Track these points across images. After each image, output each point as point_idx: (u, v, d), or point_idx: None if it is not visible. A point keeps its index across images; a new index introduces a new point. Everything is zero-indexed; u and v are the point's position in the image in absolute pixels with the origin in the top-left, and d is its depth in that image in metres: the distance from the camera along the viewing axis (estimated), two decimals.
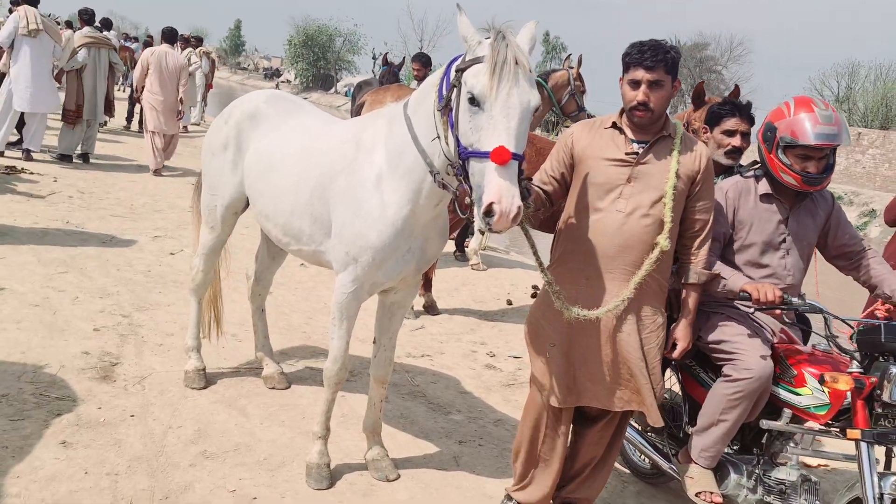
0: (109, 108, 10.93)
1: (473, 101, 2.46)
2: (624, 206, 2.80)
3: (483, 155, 2.41)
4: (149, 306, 5.19)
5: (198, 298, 4.19)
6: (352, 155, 3.11)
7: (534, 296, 7.06)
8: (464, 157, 2.50)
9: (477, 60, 2.50)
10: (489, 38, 2.49)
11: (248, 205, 3.81)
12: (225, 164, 3.78)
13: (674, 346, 2.97)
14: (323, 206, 3.20)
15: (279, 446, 3.62)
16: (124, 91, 17.72)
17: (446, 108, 2.63)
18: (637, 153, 2.83)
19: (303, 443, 3.66)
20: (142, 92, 10.68)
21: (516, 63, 2.44)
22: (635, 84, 2.77)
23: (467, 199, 2.59)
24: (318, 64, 55.72)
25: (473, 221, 2.64)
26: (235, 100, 4.00)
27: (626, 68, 2.81)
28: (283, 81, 61.97)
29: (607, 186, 2.83)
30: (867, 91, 30.80)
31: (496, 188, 2.35)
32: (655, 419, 2.91)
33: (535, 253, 2.85)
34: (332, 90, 52.86)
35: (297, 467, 3.44)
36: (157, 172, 10.43)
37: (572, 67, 7.36)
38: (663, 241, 2.77)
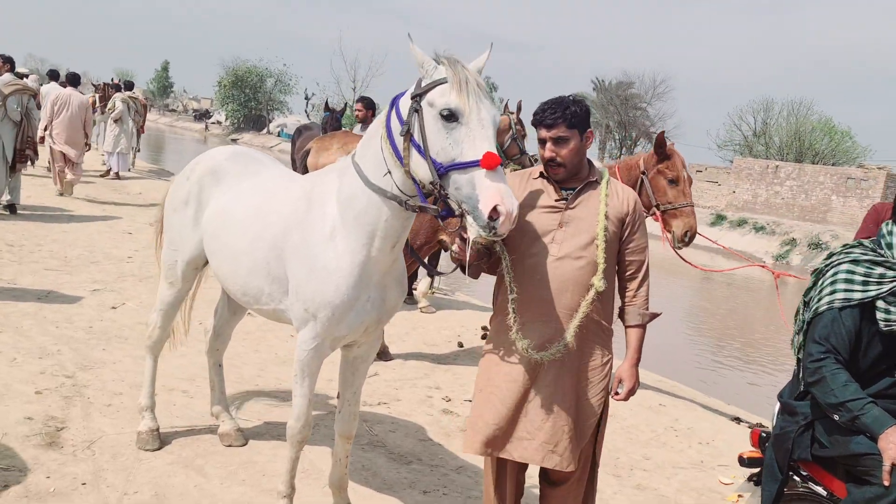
0: (34, 151, 10.58)
1: (451, 117, 2.53)
2: (557, 251, 2.88)
3: (471, 164, 2.47)
4: (93, 365, 5.02)
5: (154, 356, 4.08)
6: (304, 211, 3.12)
7: (484, 336, 7.13)
8: (442, 172, 2.54)
9: (440, 82, 2.59)
10: (443, 65, 2.60)
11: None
12: (186, 220, 3.73)
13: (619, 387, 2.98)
14: (279, 265, 3.19)
15: None
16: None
17: (407, 133, 2.67)
18: (566, 199, 2.93)
19: (265, 501, 3.59)
20: (47, 132, 11.79)
21: (476, 84, 2.57)
22: (542, 142, 2.91)
23: (456, 214, 2.60)
24: (248, 105, 55.38)
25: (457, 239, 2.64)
26: (199, 155, 3.97)
27: (535, 128, 2.96)
28: (213, 122, 61.26)
29: (540, 232, 2.91)
30: (781, 126, 32.47)
31: (495, 191, 2.41)
32: (566, 464, 2.85)
33: (509, 274, 2.87)
34: (265, 131, 52.56)
35: None
36: (62, 193, 11.98)
37: (512, 112, 7.56)
38: (598, 282, 2.83)
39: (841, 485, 2.70)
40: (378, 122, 2.90)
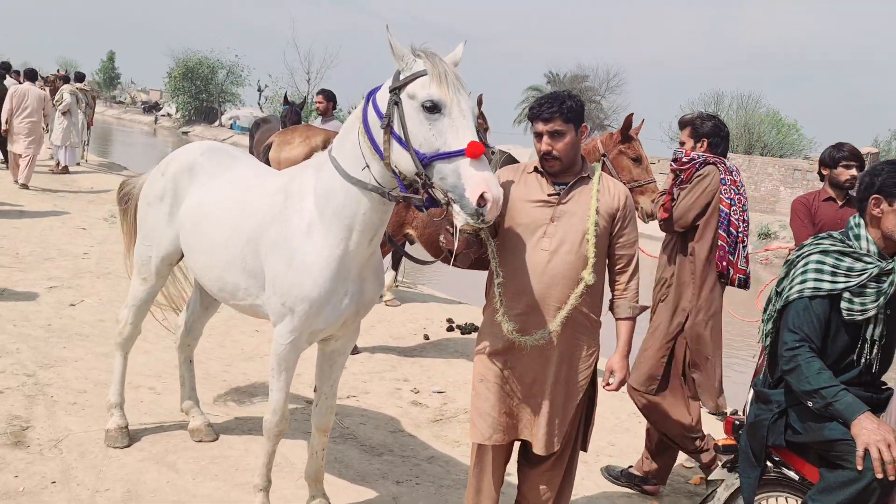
0: None
1: (434, 108, 2.57)
2: (549, 245, 2.95)
3: (455, 154, 2.52)
4: (54, 363, 4.92)
5: (123, 353, 4.03)
6: (281, 205, 3.13)
7: (449, 329, 7.20)
8: (426, 162, 2.57)
9: (419, 74, 2.62)
10: (421, 57, 2.64)
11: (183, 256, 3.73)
12: (161, 216, 3.69)
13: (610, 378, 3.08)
14: (256, 260, 3.20)
15: (215, 501, 3.53)
16: None
17: (388, 126, 2.70)
18: (558, 194, 3.00)
19: (239, 495, 3.59)
20: (8, 126, 12.48)
21: (455, 76, 2.63)
22: (539, 136, 2.98)
23: (442, 203, 2.61)
24: (200, 97, 54.22)
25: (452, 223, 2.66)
26: (174, 151, 3.92)
27: (531, 123, 3.03)
28: (163, 115, 59.89)
29: (532, 227, 2.98)
30: (731, 119, 33.18)
31: (480, 179, 2.46)
32: (540, 447, 2.98)
33: (495, 260, 2.94)
34: (217, 123, 51.54)
35: None
36: (24, 186, 12.20)
37: (476, 106, 7.60)
38: (588, 276, 2.91)
39: (813, 469, 2.76)
40: (354, 117, 2.92)
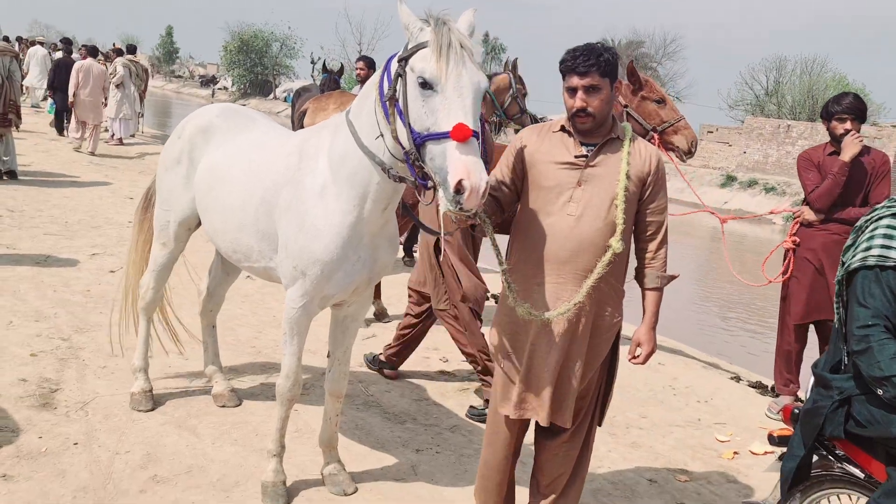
0: (17, 114, 10.49)
1: (426, 84, 2.45)
2: (575, 210, 2.78)
3: (442, 135, 2.40)
4: (89, 328, 5.02)
5: (147, 317, 4.07)
6: (295, 167, 3.07)
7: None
8: (419, 142, 2.48)
9: (421, 46, 2.50)
10: (430, 25, 2.50)
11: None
12: (178, 180, 3.69)
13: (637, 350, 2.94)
14: (269, 222, 3.15)
15: (232, 466, 3.54)
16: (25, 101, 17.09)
17: (392, 98, 2.60)
18: (586, 156, 2.81)
19: (257, 461, 3.59)
20: (75, 98, 13.41)
21: (461, 46, 2.46)
22: (572, 91, 2.76)
23: (429, 186, 2.55)
24: (255, 70, 54.83)
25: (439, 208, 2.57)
26: (190, 114, 3.91)
27: (562, 76, 2.80)
28: (219, 88, 60.80)
29: (558, 190, 2.81)
30: (794, 85, 31.87)
31: (462, 164, 2.33)
32: (564, 420, 2.87)
33: (497, 249, 2.84)
34: (271, 96, 52.12)
35: (251, 486, 3.37)
36: (92, 153, 13.41)
37: (513, 70, 7.40)
38: (616, 244, 2.74)
39: (881, 467, 2.49)
40: (371, 83, 2.82)
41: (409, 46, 2.55)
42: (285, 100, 48.62)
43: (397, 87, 2.58)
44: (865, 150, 4.60)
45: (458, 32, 2.48)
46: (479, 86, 2.47)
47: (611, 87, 2.78)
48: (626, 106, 4.81)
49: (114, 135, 15.31)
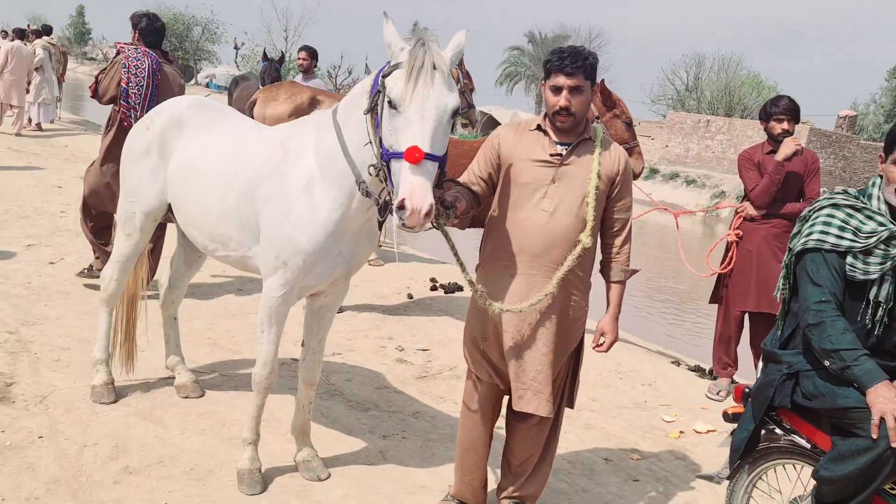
0: None
1: (391, 104, 2.57)
2: (548, 206, 2.94)
3: (399, 155, 2.52)
4: (36, 321, 4.88)
5: (109, 309, 4.01)
6: (279, 160, 3.11)
7: (433, 288, 7.23)
8: (385, 158, 2.61)
9: (398, 66, 2.61)
10: (410, 46, 2.59)
11: (168, 211, 3.69)
12: (145, 171, 3.65)
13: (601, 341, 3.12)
14: (250, 212, 3.18)
15: (204, 455, 3.55)
16: None
17: (372, 112, 2.71)
18: (561, 154, 2.97)
19: (227, 450, 3.61)
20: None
21: (434, 67, 2.56)
22: (557, 90, 2.91)
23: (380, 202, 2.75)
24: (175, 54, 53.08)
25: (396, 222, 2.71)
26: (159, 105, 3.85)
27: (547, 74, 2.95)
28: None
29: (533, 186, 2.96)
30: (712, 81, 33.18)
31: (409, 186, 2.47)
32: (535, 408, 3.00)
33: (456, 254, 2.94)
34: (193, 81, 50.59)
35: (225, 475, 3.40)
36: (18, 134, 13.44)
37: (459, 66, 7.53)
38: (585, 239, 2.92)
39: (825, 437, 2.68)
40: (361, 90, 2.89)
41: (391, 64, 2.66)
42: (207, 85, 47.32)
43: (377, 101, 2.69)
44: (800, 149, 4.94)
45: (434, 53, 2.57)
46: (445, 108, 2.58)
47: (590, 91, 2.96)
48: (597, 117, 5.01)
49: (31, 120, 14.64)
